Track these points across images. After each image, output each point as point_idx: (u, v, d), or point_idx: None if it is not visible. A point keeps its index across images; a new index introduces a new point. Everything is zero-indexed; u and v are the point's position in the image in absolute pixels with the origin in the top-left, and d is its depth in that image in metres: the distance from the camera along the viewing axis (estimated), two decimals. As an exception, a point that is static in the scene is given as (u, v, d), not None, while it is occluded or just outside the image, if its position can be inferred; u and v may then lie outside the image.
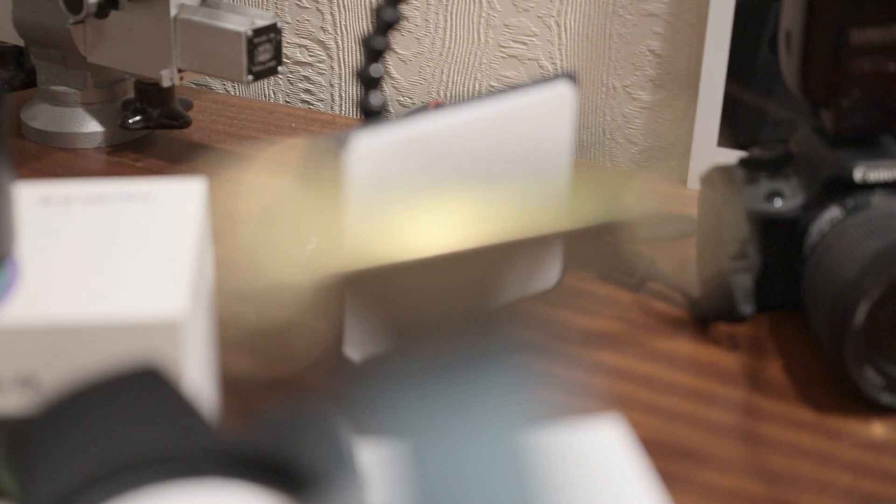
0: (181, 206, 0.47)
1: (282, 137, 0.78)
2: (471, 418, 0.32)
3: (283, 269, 0.29)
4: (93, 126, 0.77)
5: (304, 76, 0.89)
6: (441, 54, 0.84)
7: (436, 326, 0.31)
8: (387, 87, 0.85)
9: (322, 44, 0.88)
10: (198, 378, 0.44)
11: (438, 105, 0.49)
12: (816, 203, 0.56)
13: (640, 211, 0.29)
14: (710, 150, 0.73)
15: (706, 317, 0.58)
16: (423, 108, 0.63)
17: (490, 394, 0.32)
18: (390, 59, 0.86)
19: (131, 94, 0.76)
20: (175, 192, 0.48)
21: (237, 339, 0.45)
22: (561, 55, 0.81)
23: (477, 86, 0.83)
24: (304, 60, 0.89)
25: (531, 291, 0.45)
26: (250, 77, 0.70)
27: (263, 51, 0.71)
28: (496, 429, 0.32)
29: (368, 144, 0.46)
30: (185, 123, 0.75)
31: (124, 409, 0.36)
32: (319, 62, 0.88)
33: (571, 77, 0.53)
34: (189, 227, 0.46)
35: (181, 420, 0.36)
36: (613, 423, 0.49)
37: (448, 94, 0.84)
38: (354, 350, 0.46)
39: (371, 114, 0.53)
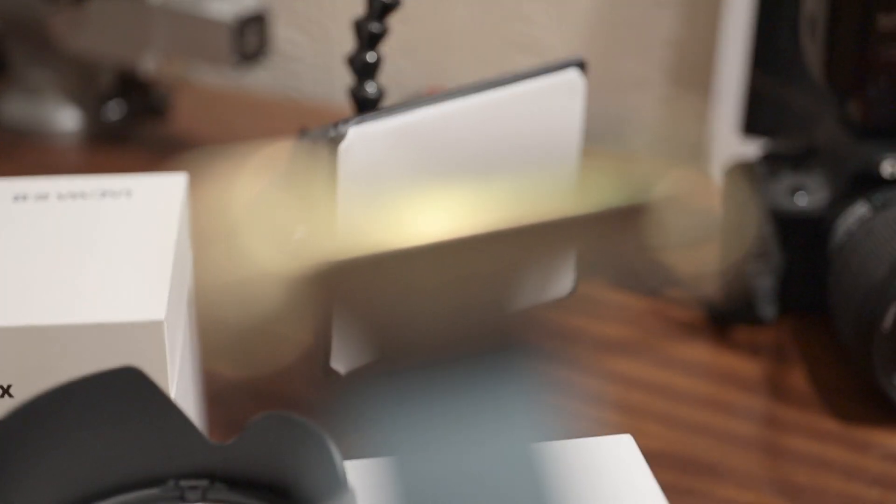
0: (162, 202, 0.47)
1: (270, 129, 0.77)
2: (471, 432, 0.31)
3: (268, 262, 0.29)
4: (70, 117, 0.77)
5: (294, 64, 0.89)
6: (441, 38, 0.83)
7: (435, 331, 0.31)
8: (382, 73, 0.85)
9: (313, 29, 0.87)
10: (181, 383, 0.43)
11: (435, 92, 0.49)
12: (842, 199, 0.56)
13: (657, 199, 0.29)
14: (728, 140, 0.72)
15: (725, 320, 0.58)
16: (420, 96, 0.63)
17: (495, 405, 0.31)
18: (386, 44, 0.85)
19: (110, 85, 0.76)
20: (156, 188, 0.48)
21: (217, 338, 0.44)
22: (570, 40, 0.81)
23: (480, 73, 0.83)
24: (293, 47, 0.88)
25: (542, 299, 0.44)
26: (236, 66, 0.70)
27: (250, 39, 0.71)
28: (501, 443, 0.31)
29: (362, 135, 0.46)
30: (165, 114, 0.76)
31: (104, 415, 0.35)
32: (310, 49, 0.88)
33: (581, 64, 0.52)
34: (170, 225, 0.46)
35: (165, 428, 0.36)
36: (624, 441, 0.47)
37: (448, 81, 0.84)
38: (343, 359, 0.46)
39: (365, 103, 0.53)
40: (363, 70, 0.52)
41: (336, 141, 0.45)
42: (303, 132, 0.49)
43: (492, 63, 0.83)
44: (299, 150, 0.45)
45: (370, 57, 0.52)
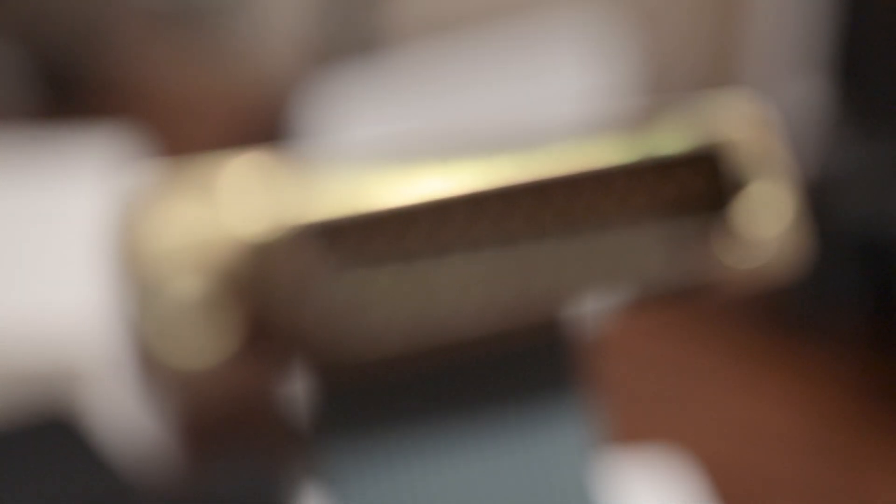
0: (93, 198, 0.47)
1: (236, 121, 0.76)
2: (488, 448, 0.28)
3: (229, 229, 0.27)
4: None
5: (250, 31, 0.86)
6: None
7: (436, 337, 0.28)
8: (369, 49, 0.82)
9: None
10: (124, 424, 0.43)
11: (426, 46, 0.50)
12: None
13: (711, 146, 0.28)
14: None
15: (798, 321, 0.58)
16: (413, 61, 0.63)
17: (520, 430, 0.29)
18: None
19: (31, 58, 0.76)
20: (87, 182, 0.49)
21: (152, 325, 0.44)
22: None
23: (494, 21, 0.79)
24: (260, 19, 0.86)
25: (579, 308, 0.45)
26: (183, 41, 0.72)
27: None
28: (524, 472, 0.28)
29: (339, 145, 0.48)
30: (101, 100, 0.76)
31: (28, 470, 0.37)
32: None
33: (612, 15, 0.52)
34: (102, 226, 0.44)
35: (98, 478, 0.37)
36: (674, 455, 0.48)
37: (454, 32, 0.80)
38: (323, 368, 0.45)
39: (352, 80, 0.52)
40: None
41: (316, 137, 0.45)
42: (275, 121, 0.49)
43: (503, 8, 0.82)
44: (270, 144, 0.44)
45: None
